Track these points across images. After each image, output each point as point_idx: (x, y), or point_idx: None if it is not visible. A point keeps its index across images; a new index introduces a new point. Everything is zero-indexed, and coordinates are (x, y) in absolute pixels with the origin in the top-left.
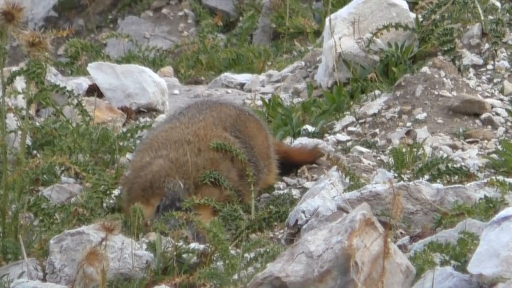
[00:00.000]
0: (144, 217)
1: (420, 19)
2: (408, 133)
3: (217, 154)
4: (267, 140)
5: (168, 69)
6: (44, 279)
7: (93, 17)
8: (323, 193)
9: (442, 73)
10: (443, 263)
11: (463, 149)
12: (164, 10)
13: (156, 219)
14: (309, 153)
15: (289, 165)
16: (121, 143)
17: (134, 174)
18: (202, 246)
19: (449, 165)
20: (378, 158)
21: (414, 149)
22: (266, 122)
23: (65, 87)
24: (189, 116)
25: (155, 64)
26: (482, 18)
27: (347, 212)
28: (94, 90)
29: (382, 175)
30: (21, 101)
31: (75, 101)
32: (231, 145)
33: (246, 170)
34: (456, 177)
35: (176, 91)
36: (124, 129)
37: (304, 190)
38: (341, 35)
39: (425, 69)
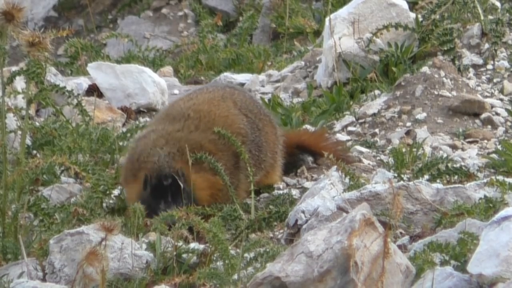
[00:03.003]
0: (134, 196)
1: (420, 19)
2: (408, 133)
3: (216, 137)
4: (275, 135)
5: (168, 69)
6: (44, 279)
7: (93, 17)
8: (323, 193)
9: (442, 73)
10: (443, 263)
11: (463, 149)
12: (164, 10)
13: (144, 196)
14: (331, 146)
15: (306, 152)
16: (121, 143)
17: (129, 151)
18: (202, 246)
19: (449, 165)
20: (378, 158)
21: (414, 149)
22: (277, 122)
23: (65, 87)
24: (200, 89)
25: (155, 64)
26: (482, 18)
27: (347, 212)
28: (94, 90)
29: (382, 175)
30: (21, 101)
31: (75, 101)
32: (236, 137)
33: (246, 163)
34: (456, 177)
35: (176, 91)
36: (124, 129)
37: (304, 190)
38: (341, 35)
39: (425, 69)
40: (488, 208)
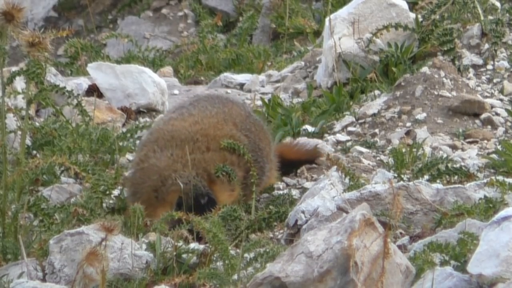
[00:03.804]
0: (146, 217)
1: (420, 19)
2: (407, 133)
3: (226, 154)
4: (270, 144)
5: (168, 69)
6: (43, 279)
7: (93, 17)
8: (322, 193)
9: (442, 73)
10: (443, 263)
11: (462, 149)
12: (164, 10)
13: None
14: (306, 152)
15: (286, 164)
16: (120, 143)
17: (139, 175)
18: (202, 246)
19: (449, 165)
20: (377, 158)
21: (414, 149)
22: (268, 128)
23: (64, 87)
24: (200, 109)
25: (154, 64)
26: (482, 18)
27: (347, 212)
28: (93, 90)
29: (381, 175)
30: (20, 101)
31: (75, 101)
32: (240, 145)
33: (251, 171)
34: (456, 177)
35: (176, 91)
36: (124, 129)
37: (303, 190)
38: (341, 35)
39: (425, 69)
40: (488, 208)
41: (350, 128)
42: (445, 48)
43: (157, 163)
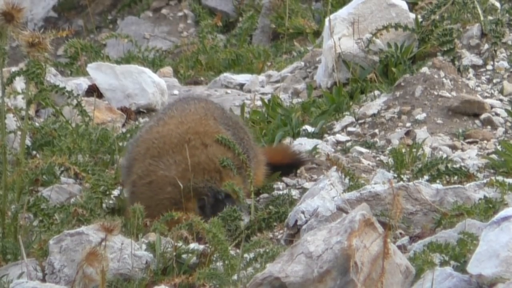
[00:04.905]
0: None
1: (420, 20)
2: (407, 133)
3: (223, 148)
4: (248, 135)
5: (168, 69)
6: (43, 280)
7: (93, 17)
8: (322, 193)
9: (442, 74)
10: (443, 263)
11: (462, 150)
12: (164, 11)
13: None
14: (284, 154)
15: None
16: (120, 144)
17: (149, 189)
18: (201, 246)
19: (449, 165)
20: (377, 158)
21: (414, 150)
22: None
23: (64, 88)
24: (178, 108)
25: (154, 65)
26: (482, 18)
27: (347, 213)
28: (93, 91)
29: (381, 176)
30: (20, 102)
31: (75, 102)
32: (233, 142)
33: (245, 168)
34: (456, 177)
35: (176, 92)
36: (124, 130)
37: (303, 190)
38: (341, 35)
39: (424, 69)
40: (488, 208)
41: (350, 128)
42: (445, 48)
43: (167, 174)
